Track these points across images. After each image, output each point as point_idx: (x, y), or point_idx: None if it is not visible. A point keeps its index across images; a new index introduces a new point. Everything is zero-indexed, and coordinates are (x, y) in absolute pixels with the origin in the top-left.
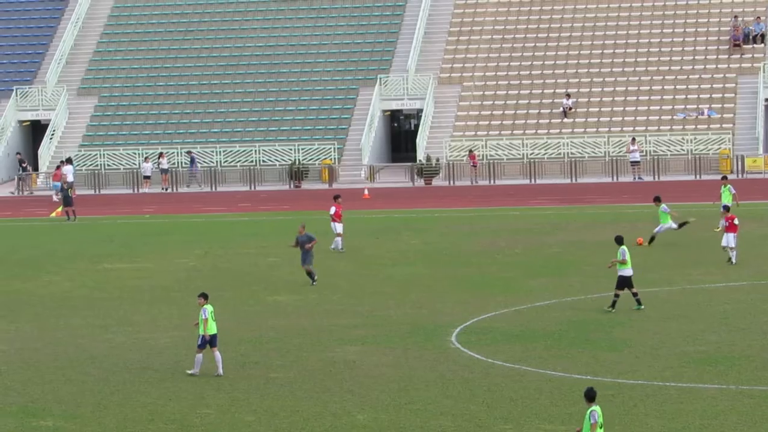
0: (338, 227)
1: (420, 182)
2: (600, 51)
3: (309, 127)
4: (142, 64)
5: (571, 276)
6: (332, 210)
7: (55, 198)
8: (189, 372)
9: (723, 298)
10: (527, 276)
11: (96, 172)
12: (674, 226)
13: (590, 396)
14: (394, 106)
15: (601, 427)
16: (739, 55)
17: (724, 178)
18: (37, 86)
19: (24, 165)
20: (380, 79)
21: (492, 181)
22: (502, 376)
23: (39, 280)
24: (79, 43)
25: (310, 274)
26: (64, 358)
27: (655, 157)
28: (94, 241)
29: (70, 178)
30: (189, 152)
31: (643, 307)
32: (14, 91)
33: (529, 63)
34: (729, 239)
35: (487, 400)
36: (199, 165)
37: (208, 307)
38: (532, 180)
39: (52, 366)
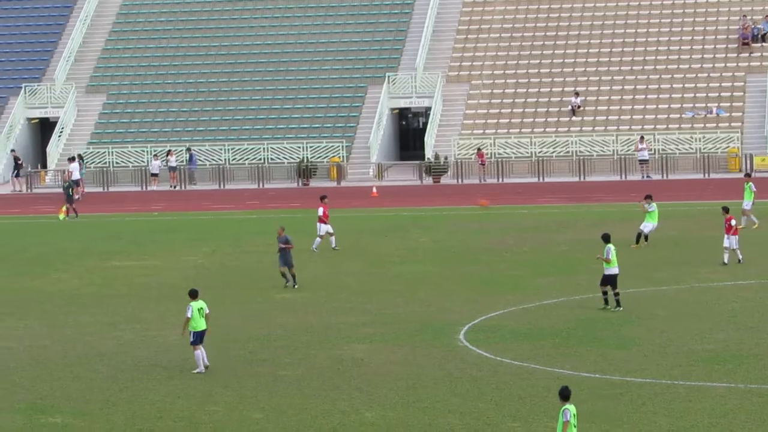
0: (324, 228)
1: (428, 180)
2: (608, 49)
3: (317, 125)
4: (151, 62)
5: (579, 274)
6: (320, 211)
7: (75, 196)
8: (195, 371)
9: (731, 297)
10: (535, 274)
11: (104, 169)
12: (655, 227)
13: (564, 395)
14: (403, 104)
15: (574, 427)
16: (747, 54)
17: (747, 175)
18: (46, 84)
19: (19, 163)
20: (388, 77)
21: (500, 179)
22: (510, 374)
23: (47, 278)
24: (87, 40)
25: (284, 275)
26: (72, 356)
27: (664, 155)
28: (102, 238)
29: (75, 176)
30: (188, 149)
31: (621, 308)
32: (23, 89)
33: (538, 61)
34: (731, 241)
35: (495, 398)
36: (197, 162)
37: (194, 304)
38: (541, 178)
39: (60, 363)
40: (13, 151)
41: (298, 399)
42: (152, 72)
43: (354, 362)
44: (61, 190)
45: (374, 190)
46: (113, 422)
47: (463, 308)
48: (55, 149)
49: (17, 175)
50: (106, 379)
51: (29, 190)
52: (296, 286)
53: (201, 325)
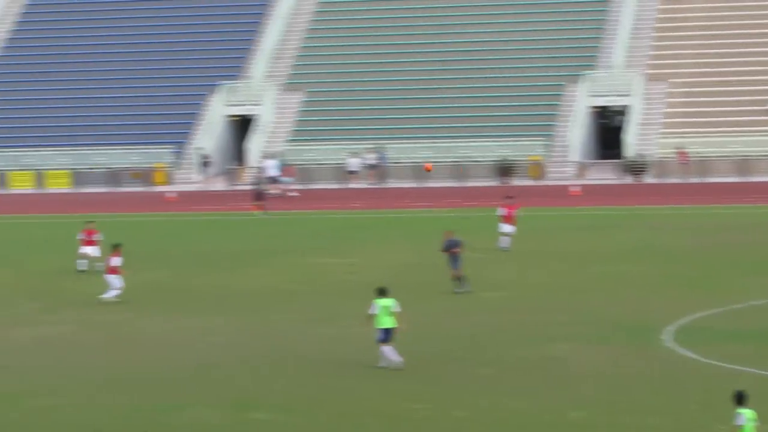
0: (506, 227)
1: (629, 179)
2: None
3: (517, 123)
4: (349, 59)
5: None
6: (502, 211)
7: (275, 191)
8: (380, 365)
9: None
10: (741, 274)
11: (304, 167)
12: None
13: (739, 399)
14: (601, 102)
15: (755, 430)
16: None
17: None
18: (244, 81)
19: (207, 160)
20: (586, 75)
21: (703, 179)
22: (716, 376)
23: (248, 274)
24: (285, 38)
25: (458, 278)
26: (274, 352)
27: None
28: (301, 235)
29: (270, 173)
30: (378, 147)
31: None
32: (221, 87)
33: (740, 58)
34: None
35: (702, 400)
36: (387, 160)
37: (381, 302)
38: (744, 178)
39: (263, 359)
40: (201, 148)
41: (500, 398)
42: (350, 70)
43: (554, 361)
44: (256, 186)
45: (575, 188)
46: (318, 419)
47: (667, 308)
48: (254, 146)
49: (206, 173)
50: (308, 376)
51: (228, 188)
52: (466, 289)
53: (388, 322)
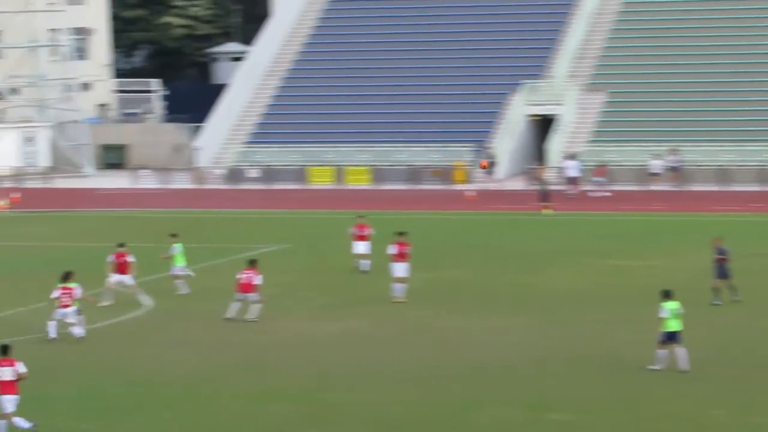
0: None
1: None
2: None
3: None
4: (652, 60)
5: None
6: None
7: (598, 193)
8: (649, 368)
9: None
10: None
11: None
12: None
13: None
14: None
15: None
16: None
17: None
18: (546, 81)
19: (493, 160)
20: None
21: None
22: None
23: (546, 275)
24: (588, 38)
25: (716, 290)
26: (571, 353)
27: None
28: (600, 236)
29: (570, 174)
30: (674, 150)
31: None
32: (523, 86)
33: None
34: None
35: None
36: (681, 162)
37: (667, 305)
38: None
39: (559, 360)
40: (486, 148)
41: None
42: (654, 71)
43: None
44: (543, 187)
45: None
46: (617, 421)
47: None
48: (554, 146)
49: (490, 172)
50: (604, 378)
51: (527, 187)
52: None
53: (673, 326)
